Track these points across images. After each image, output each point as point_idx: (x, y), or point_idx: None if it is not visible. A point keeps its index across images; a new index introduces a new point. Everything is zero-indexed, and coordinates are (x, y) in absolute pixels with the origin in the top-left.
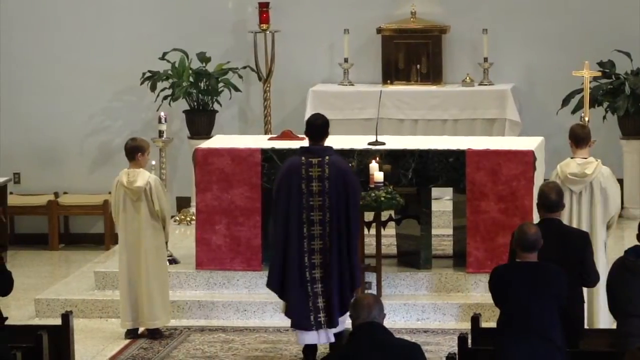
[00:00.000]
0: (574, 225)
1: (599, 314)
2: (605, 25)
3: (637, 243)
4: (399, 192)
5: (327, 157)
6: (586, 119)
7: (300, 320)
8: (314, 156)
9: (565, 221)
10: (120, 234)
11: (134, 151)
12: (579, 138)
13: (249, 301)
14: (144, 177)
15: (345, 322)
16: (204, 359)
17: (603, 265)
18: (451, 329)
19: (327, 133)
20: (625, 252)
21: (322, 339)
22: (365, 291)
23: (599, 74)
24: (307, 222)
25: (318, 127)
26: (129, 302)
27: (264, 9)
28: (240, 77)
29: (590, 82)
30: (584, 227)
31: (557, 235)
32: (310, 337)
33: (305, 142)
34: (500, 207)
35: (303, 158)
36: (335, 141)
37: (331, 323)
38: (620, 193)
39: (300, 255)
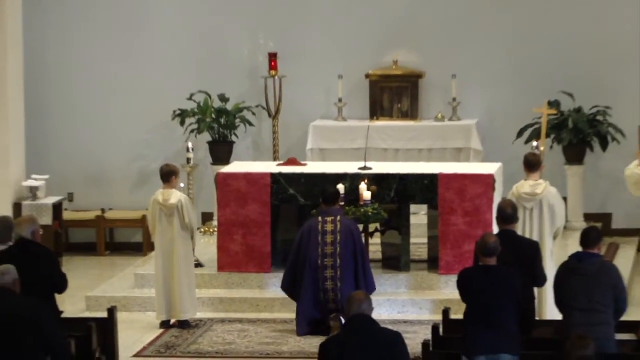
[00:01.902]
0: (527, 235)
1: (547, 308)
2: (552, 70)
3: (579, 249)
4: (384, 208)
5: (337, 217)
6: (542, 148)
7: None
8: (329, 215)
9: (519, 232)
10: (155, 243)
11: (169, 174)
12: (531, 164)
13: (261, 297)
14: (176, 195)
15: None
16: (224, 344)
17: (550, 268)
18: (426, 320)
19: (336, 200)
20: (569, 256)
21: None
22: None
23: (555, 111)
24: (322, 266)
25: (330, 194)
26: (163, 298)
27: (272, 58)
28: (254, 114)
29: (541, 117)
30: (535, 237)
31: (512, 243)
32: None
33: (306, 168)
34: (466, 220)
35: (320, 218)
36: (330, 167)
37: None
38: (564, 209)
39: (315, 287)
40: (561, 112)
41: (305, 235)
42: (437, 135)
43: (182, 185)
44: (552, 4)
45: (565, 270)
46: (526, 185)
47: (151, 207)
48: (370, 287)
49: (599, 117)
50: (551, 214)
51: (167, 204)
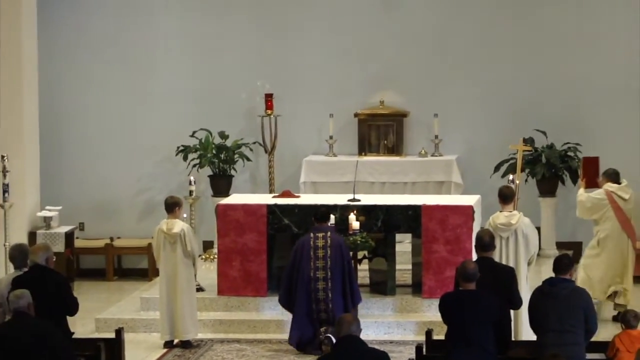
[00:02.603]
0: (503, 262)
1: (522, 329)
2: (527, 109)
3: (553, 275)
4: (371, 237)
5: (328, 233)
6: (517, 181)
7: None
8: (320, 232)
9: (496, 259)
10: (160, 269)
11: (173, 206)
12: (505, 196)
13: (258, 319)
14: (179, 225)
15: None
16: None
17: (525, 292)
18: (410, 341)
19: (328, 218)
20: (543, 282)
21: None
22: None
23: (530, 148)
24: (314, 279)
25: (322, 213)
26: (167, 320)
27: (269, 98)
28: (251, 150)
29: (517, 153)
30: (511, 264)
31: (490, 269)
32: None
33: (300, 200)
34: (447, 248)
35: (312, 234)
36: (322, 199)
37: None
38: (537, 237)
39: (308, 298)
40: (535, 149)
41: (299, 251)
42: (420, 169)
43: (185, 215)
44: (527, 48)
45: (539, 294)
46: (502, 217)
47: (156, 235)
48: (356, 297)
49: (570, 153)
50: (525, 242)
51: (170, 232)
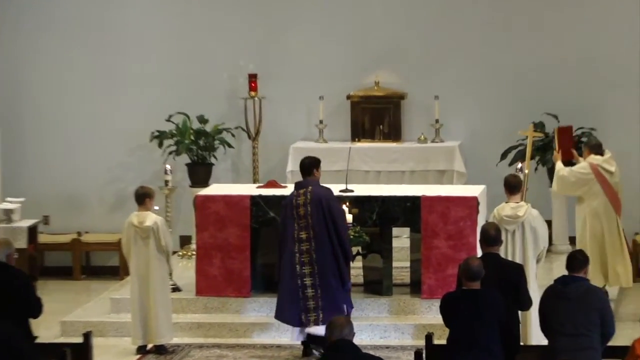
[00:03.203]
0: (509, 258)
1: (532, 332)
2: (536, 91)
3: (566, 273)
4: (365, 232)
5: (309, 187)
6: (526, 170)
7: (289, 319)
8: (300, 188)
9: (502, 255)
10: (131, 266)
11: (143, 197)
12: (512, 186)
13: (240, 322)
14: (151, 218)
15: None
16: None
17: (534, 291)
18: (408, 346)
19: (311, 170)
20: (555, 280)
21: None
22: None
23: (541, 134)
24: (298, 240)
25: (304, 165)
26: (140, 323)
27: (252, 79)
28: (233, 135)
29: (525, 139)
30: (518, 260)
31: (496, 266)
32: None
33: (287, 191)
34: (449, 243)
35: (295, 191)
36: None
37: (321, 321)
38: (547, 231)
39: (292, 267)
40: (546, 134)
41: (283, 213)
42: (419, 157)
43: (156, 208)
44: (538, 26)
45: (551, 295)
46: (507, 208)
47: (126, 230)
48: (349, 255)
49: (584, 139)
50: (534, 237)
51: (142, 226)
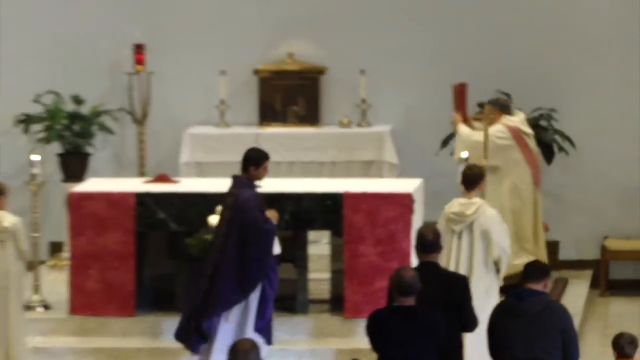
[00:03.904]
0: (452, 265)
1: (477, 357)
2: (484, 65)
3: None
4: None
5: (236, 189)
6: (484, 161)
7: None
8: (235, 187)
9: (444, 260)
10: None
11: None
12: (467, 179)
13: (123, 347)
14: (9, 218)
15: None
16: None
17: (482, 308)
18: None
19: (246, 166)
20: (506, 294)
21: None
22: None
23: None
24: (213, 246)
25: (243, 157)
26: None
27: (139, 50)
28: (115, 119)
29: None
30: (463, 268)
31: (435, 278)
32: None
33: (180, 187)
34: (378, 250)
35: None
36: (210, 185)
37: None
38: (507, 235)
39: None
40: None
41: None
42: (342, 145)
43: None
44: None
45: (502, 311)
46: (456, 205)
47: None
48: (247, 287)
49: (543, 122)
50: (486, 241)
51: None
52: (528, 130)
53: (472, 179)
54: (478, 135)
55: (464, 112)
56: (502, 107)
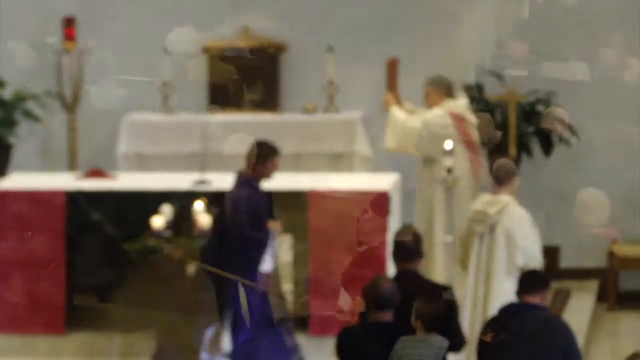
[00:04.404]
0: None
1: None
2: (470, 41)
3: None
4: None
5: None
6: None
7: None
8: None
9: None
10: None
11: None
12: (495, 176)
13: None
14: None
15: None
16: None
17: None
18: None
19: (251, 161)
20: (500, 309)
21: None
22: None
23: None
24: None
25: (247, 152)
26: None
27: (69, 24)
28: (42, 105)
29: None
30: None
31: (415, 290)
32: None
33: (117, 183)
34: (349, 257)
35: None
36: (152, 180)
37: None
38: (534, 240)
39: None
40: (485, 101)
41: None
42: (306, 134)
43: None
44: None
45: (495, 328)
46: (480, 202)
47: None
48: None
49: (540, 108)
50: (509, 245)
51: None
52: (471, 118)
53: (502, 174)
54: (415, 121)
55: (396, 92)
56: (445, 87)
